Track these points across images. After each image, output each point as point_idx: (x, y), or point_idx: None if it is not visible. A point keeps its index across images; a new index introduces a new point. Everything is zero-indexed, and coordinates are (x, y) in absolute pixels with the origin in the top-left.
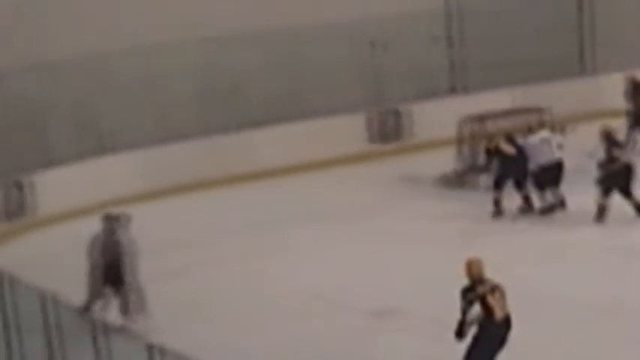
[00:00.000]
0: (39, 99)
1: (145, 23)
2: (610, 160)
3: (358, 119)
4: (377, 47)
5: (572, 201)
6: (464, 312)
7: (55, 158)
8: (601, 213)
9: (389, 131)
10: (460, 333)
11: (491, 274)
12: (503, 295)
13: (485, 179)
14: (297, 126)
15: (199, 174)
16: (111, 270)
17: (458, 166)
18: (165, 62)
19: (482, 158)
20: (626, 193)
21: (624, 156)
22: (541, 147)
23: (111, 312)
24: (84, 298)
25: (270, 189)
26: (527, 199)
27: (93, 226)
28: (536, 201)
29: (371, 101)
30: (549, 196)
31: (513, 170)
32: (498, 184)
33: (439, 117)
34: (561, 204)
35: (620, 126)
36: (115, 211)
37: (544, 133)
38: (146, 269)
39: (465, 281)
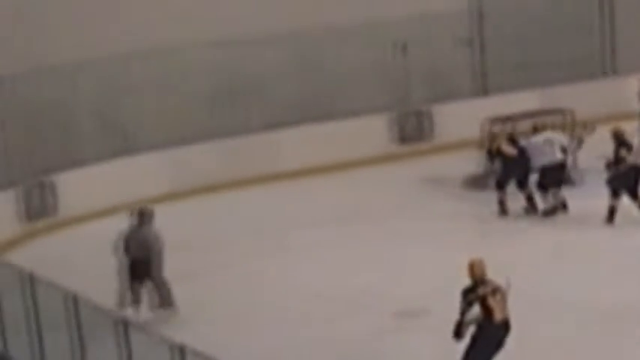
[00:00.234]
0: (62, 100)
1: (171, 24)
2: (617, 160)
3: (382, 120)
4: (400, 49)
5: (585, 202)
6: (463, 312)
7: (78, 159)
8: (611, 214)
9: (412, 133)
10: (458, 333)
11: (512, 274)
12: (504, 298)
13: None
14: (321, 127)
15: (224, 175)
16: (139, 265)
17: (481, 167)
18: (190, 63)
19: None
20: (633, 194)
21: (631, 157)
22: (543, 147)
23: (142, 307)
24: (116, 294)
25: (293, 190)
26: (530, 199)
27: (115, 226)
28: (539, 202)
29: (394, 102)
30: (551, 198)
31: (515, 171)
32: (501, 185)
33: (462, 118)
34: (563, 206)
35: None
36: (142, 206)
37: (548, 134)
38: (172, 267)
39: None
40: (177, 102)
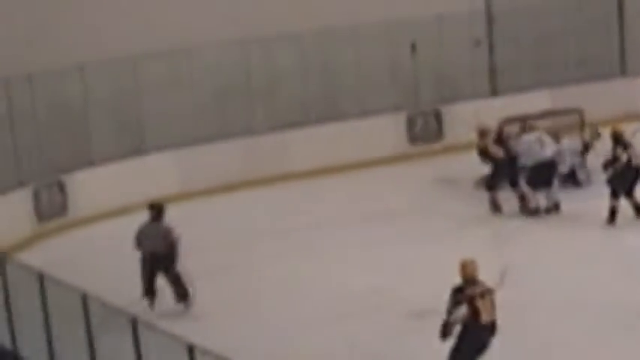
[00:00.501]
0: (73, 101)
1: (183, 25)
2: (613, 160)
3: (395, 120)
4: (410, 49)
5: (593, 202)
6: (449, 312)
7: (89, 160)
8: (612, 215)
9: (425, 133)
10: (444, 333)
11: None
12: (493, 301)
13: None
14: (334, 127)
15: (236, 175)
16: (159, 259)
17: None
18: (201, 64)
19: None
20: (628, 193)
21: (625, 156)
22: (532, 146)
23: (164, 300)
24: (140, 288)
25: (303, 190)
26: (522, 199)
27: (126, 226)
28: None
29: (408, 102)
30: (542, 198)
31: (505, 171)
32: (492, 185)
33: (476, 118)
34: (555, 207)
35: None
36: (154, 201)
37: (539, 133)
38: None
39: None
40: (189, 102)
